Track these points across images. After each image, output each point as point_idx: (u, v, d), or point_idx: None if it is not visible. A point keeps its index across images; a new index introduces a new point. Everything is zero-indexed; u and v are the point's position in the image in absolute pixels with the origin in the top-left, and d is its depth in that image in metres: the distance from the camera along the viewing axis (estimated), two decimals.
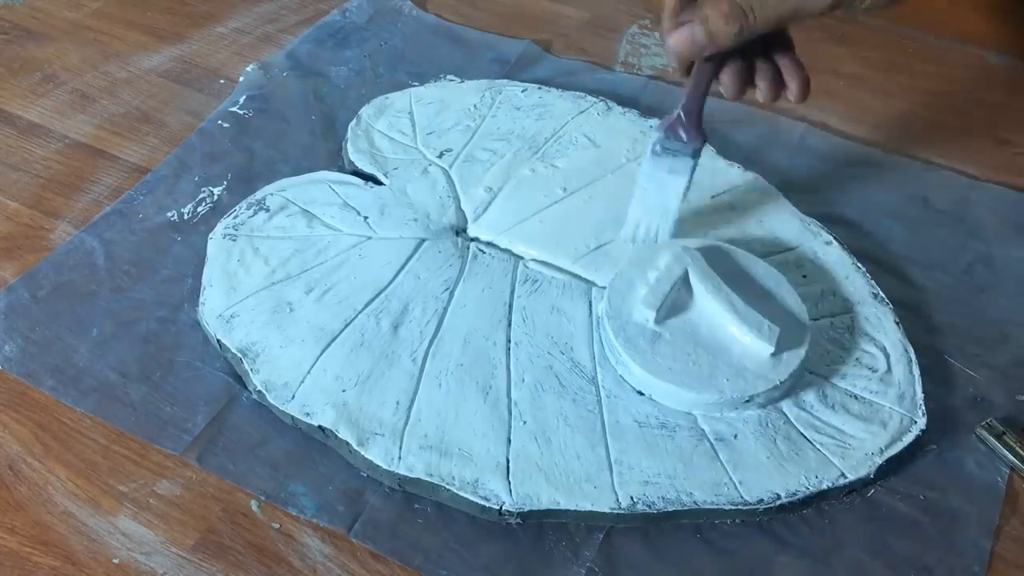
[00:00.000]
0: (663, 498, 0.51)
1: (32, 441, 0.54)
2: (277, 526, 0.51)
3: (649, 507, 0.50)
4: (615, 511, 0.50)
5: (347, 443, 0.52)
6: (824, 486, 0.52)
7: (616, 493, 0.51)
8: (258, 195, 0.65)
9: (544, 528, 0.51)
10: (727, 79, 0.55)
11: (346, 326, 0.58)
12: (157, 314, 0.60)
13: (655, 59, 0.82)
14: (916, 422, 0.54)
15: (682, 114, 0.56)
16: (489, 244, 0.63)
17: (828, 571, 0.50)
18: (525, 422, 0.54)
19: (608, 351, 0.57)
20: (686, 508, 0.51)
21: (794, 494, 0.51)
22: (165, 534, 0.51)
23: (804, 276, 0.61)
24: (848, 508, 0.52)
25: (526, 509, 0.50)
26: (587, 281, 0.61)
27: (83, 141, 0.72)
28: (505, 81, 0.76)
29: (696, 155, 0.58)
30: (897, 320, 0.59)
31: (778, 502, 0.51)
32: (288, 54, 0.79)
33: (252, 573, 0.49)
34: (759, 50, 0.55)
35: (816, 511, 0.52)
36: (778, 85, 0.56)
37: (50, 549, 0.50)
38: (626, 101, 0.74)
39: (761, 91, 0.56)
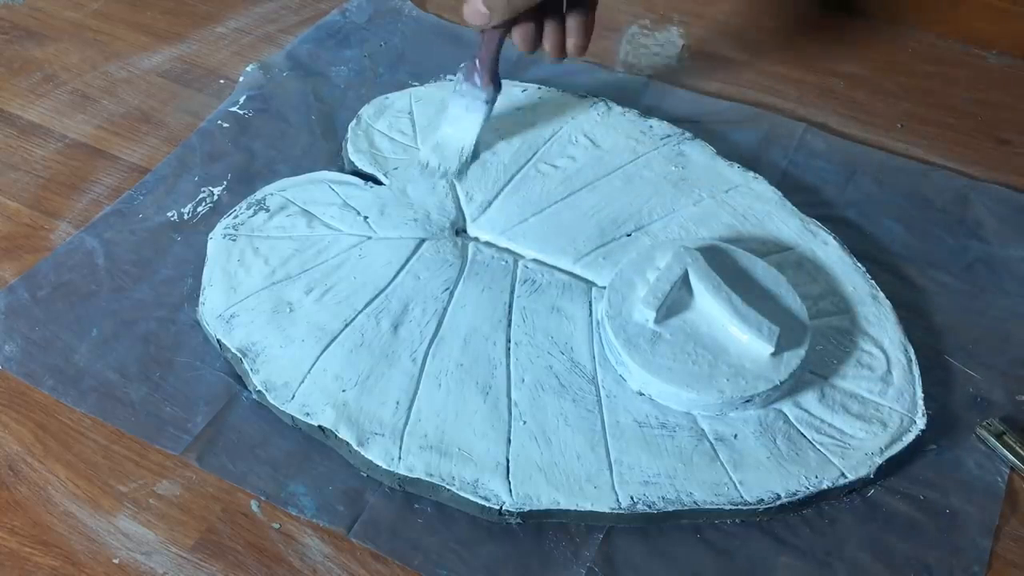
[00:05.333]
0: (663, 498, 0.51)
1: (32, 441, 0.54)
2: (277, 526, 0.51)
3: (649, 507, 0.50)
4: (615, 511, 0.50)
5: (347, 443, 0.53)
6: (824, 486, 0.52)
7: (616, 493, 0.51)
8: (258, 195, 0.65)
9: (544, 528, 0.51)
10: (517, 37, 0.62)
11: (346, 326, 0.58)
12: (157, 314, 0.60)
13: (655, 59, 0.82)
14: (916, 422, 0.54)
15: (477, 63, 0.64)
16: (489, 244, 0.63)
17: (828, 571, 0.50)
18: (525, 422, 0.54)
19: (608, 351, 0.57)
20: (686, 508, 0.51)
21: (794, 494, 0.51)
22: (165, 534, 0.51)
23: (804, 276, 0.61)
24: (848, 508, 0.52)
25: (526, 509, 0.50)
26: (587, 281, 0.61)
27: (83, 141, 0.72)
28: (505, 81, 0.76)
29: (489, 102, 0.65)
30: (897, 320, 0.59)
31: (778, 502, 0.51)
32: (288, 54, 0.79)
33: (252, 573, 0.49)
34: (558, 8, 0.62)
35: (816, 511, 0.52)
36: (562, 41, 0.63)
37: (50, 549, 0.50)
38: (626, 101, 0.74)
39: (547, 47, 0.63)
